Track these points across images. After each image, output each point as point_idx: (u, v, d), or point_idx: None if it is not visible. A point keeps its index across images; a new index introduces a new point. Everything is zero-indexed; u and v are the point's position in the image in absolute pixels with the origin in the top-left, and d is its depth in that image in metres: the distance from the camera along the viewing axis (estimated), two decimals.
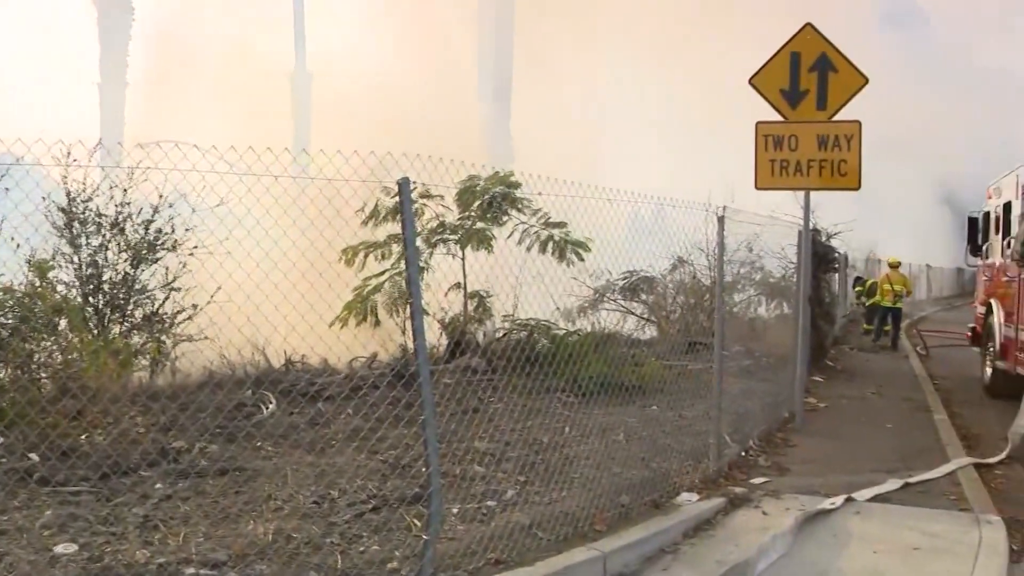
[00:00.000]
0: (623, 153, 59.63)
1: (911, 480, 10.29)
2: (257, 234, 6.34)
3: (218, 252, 8.07)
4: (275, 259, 6.26)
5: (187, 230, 11.64)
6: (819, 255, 20.02)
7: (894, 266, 28.45)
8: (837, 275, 26.23)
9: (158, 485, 7.97)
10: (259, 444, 9.34)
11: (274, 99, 62.99)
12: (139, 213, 11.71)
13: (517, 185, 14.10)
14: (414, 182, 6.18)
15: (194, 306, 11.90)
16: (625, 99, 67.84)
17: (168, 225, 11.80)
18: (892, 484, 10.07)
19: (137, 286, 11.86)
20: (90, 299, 11.49)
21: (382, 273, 14.04)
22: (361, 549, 6.86)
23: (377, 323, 14.12)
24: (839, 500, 9.25)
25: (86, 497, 7.58)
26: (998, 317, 16.76)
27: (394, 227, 13.10)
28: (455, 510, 7.84)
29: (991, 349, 17.32)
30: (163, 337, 12.13)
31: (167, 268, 11.98)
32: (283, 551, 6.59)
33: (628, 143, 62.66)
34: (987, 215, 18.37)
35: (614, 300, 19.02)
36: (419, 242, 14.06)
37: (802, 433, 12.83)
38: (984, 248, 18.53)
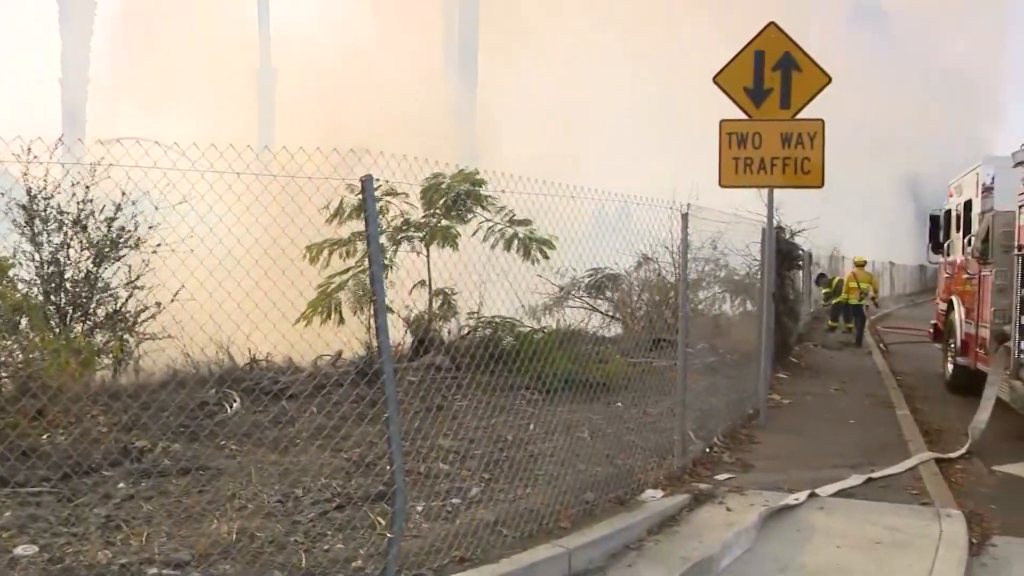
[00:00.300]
0: (589, 150, 59.70)
1: (874, 475, 10.37)
2: (220, 231, 6.30)
3: (180, 250, 8.01)
4: (237, 257, 6.22)
5: (150, 228, 11.55)
6: (783, 252, 20.14)
7: (860, 265, 28.66)
8: (801, 272, 26.38)
9: (120, 485, 7.91)
10: (223, 443, 9.28)
11: (239, 95, 62.62)
12: (102, 210, 11.61)
13: (482, 183, 14.09)
14: (378, 179, 6.17)
15: (158, 304, 11.82)
16: (591, 96, 67.92)
17: (131, 223, 11.71)
18: (855, 479, 10.15)
19: (100, 284, 11.77)
20: (52, 297, 11.39)
21: (346, 271, 13.98)
22: (325, 547, 6.84)
23: (341, 321, 14.06)
24: (803, 496, 9.30)
25: (47, 498, 7.50)
26: (959, 314, 16.91)
27: (358, 225, 13.04)
28: (420, 508, 7.83)
29: (952, 345, 17.47)
30: (126, 336, 12.05)
31: (130, 266, 11.89)
32: (247, 550, 6.56)
33: (594, 140, 62.73)
34: (948, 213, 18.52)
35: (579, 297, 19.04)
36: (383, 240, 14.02)
37: (766, 429, 12.91)
38: (946, 246, 18.68)
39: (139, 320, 12.08)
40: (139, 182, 7.41)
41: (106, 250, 11.68)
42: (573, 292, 18.77)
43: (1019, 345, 12.61)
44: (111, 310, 11.95)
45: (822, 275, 32.25)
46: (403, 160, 6.51)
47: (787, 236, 21.68)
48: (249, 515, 7.33)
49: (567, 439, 10.15)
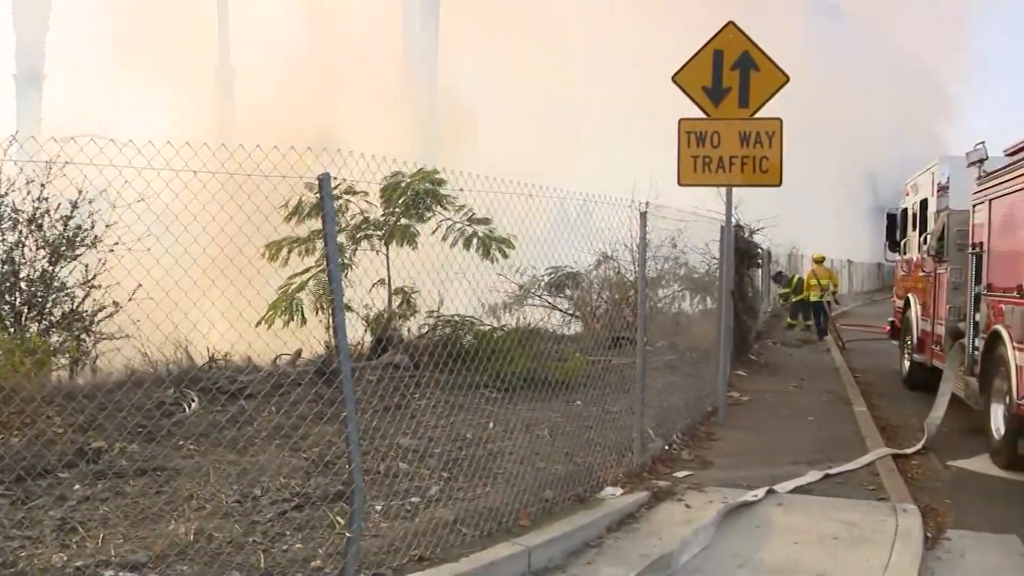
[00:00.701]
0: (553, 145, 59.71)
1: (831, 471, 10.46)
2: (176, 230, 6.25)
3: (137, 249, 7.94)
4: (194, 255, 6.17)
5: (107, 226, 11.44)
6: (742, 251, 20.27)
7: (819, 261, 28.91)
8: (760, 270, 26.53)
9: (76, 487, 7.83)
10: (180, 443, 9.20)
11: (198, 93, 62.10)
12: (57, 208, 11.49)
13: (442, 182, 14.08)
14: (335, 177, 6.14)
15: (115, 304, 11.70)
16: (551, 92, 67.90)
17: (88, 221, 11.60)
18: (813, 476, 10.24)
19: (56, 283, 11.65)
20: (6, 297, 11.26)
21: (306, 270, 13.91)
22: (284, 547, 6.80)
23: (303, 321, 13.99)
24: (761, 492, 9.36)
25: (0, 501, 7.42)
26: (915, 311, 17.09)
27: (318, 223, 12.99)
28: (379, 507, 7.82)
29: (909, 343, 17.66)
30: (83, 336, 11.93)
31: (87, 265, 11.78)
32: (204, 551, 6.51)
33: (555, 136, 62.76)
34: (905, 212, 18.70)
35: (539, 296, 19.05)
36: (343, 238, 13.97)
37: (725, 427, 12.97)
38: (902, 244, 18.86)
39: (96, 320, 11.97)
40: (94, 180, 7.34)
41: (62, 249, 11.56)
42: (533, 291, 18.77)
43: (973, 342, 12.76)
44: (67, 310, 11.83)
45: (780, 274, 32.42)
46: (361, 158, 6.49)
47: (746, 234, 21.81)
48: (207, 515, 7.28)
49: (526, 437, 10.16)
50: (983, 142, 13.00)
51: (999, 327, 11.29)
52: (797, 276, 31.25)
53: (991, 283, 11.92)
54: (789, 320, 29.48)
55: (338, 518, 7.27)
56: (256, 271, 6.67)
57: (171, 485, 8.00)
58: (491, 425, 10.73)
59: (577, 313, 19.14)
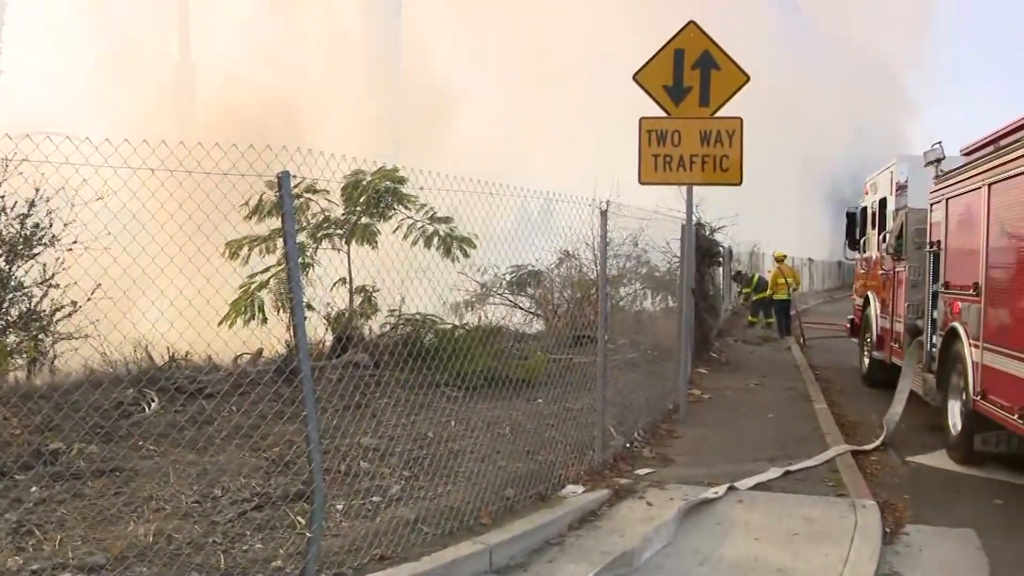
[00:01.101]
0: (515, 144, 59.74)
1: (791, 468, 10.53)
2: (133, 228, 6.19)
3: (95, 248, 7.86)
4: (152, 254, 6.12)
5: (65, 225, 11.31)
6: (703, 249, 20.37)
7: (781, 259, 29.09)
8: (721, 269, 26.65)
9: (32, 489, 7.73)
10: (139, 444, 9.12)
11: (158, 90, 61.60)
12: (13, 207, 11.35)
13: (403, 180, 14.03)
14: (295, 176, 6.10)
15: (73, 303, 11.58)
16: (516, 90, 67.97)
17: (46, 220, 11.47)
18: (773, 472, 10.30)
19: (12, 283, 11.51)
20: None
21: (267, 269, 13.83)
22: (244, 548, 6.77)
23: (264, 320, 13.91)
24: (722, 489, 9.41)
25: None
26: (875, 309, 17.23)
27: (279, 222, 12.92)
28: (340, 506, 7.79)
29: (868, 340, 17.81)
30: (41, 335, 11.81)
31: (44, 265, 11.65)
32: (164, 552, 6.46)
33: (518, 135, 62.80)
34: (864, 210, 18.83)
35: (501, 295, 19.05)
36: (304, 237, 13.90)
37: (686, 424, 13.02)
38: (862, 242, 19.00)
39: (54, 319, 11.84)
40: (51, 178, 7.27)
41: (19, 248, 11.42)
42: (495, 289, 18.76)
43: (931, 339, 12.88)
44: (24, 309, 11.70)
45: (739, 273, 32.57)
46: (320, 156, 6.45)
47: (707, 233, 21.91)
48: (166, 516, 7.23)
49: (488, 436, 10.15)
50: (940, 142, 13.13)
51: (956, 324, 11.41)
52: (757, 275, 31.39)
53: (948, 281, 12.04)
54: (750, 318, 29.64)
55: (299, 518, 7.24)
56: (215, 270, 6.61)
57: (130, 486, 7.94)
58: (452, 424, 10.72)
59: (539, 311, 19.15)
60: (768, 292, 28.36)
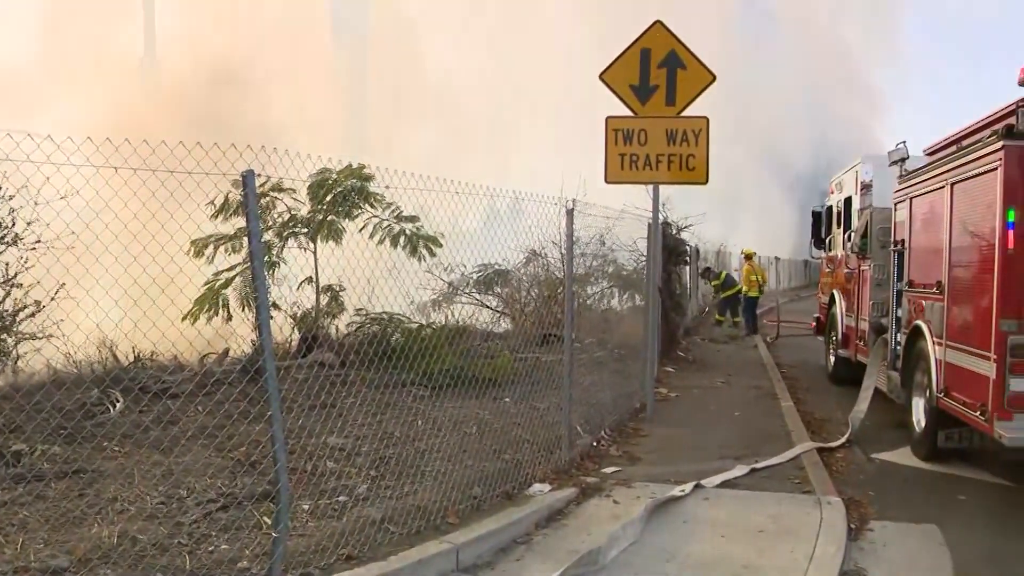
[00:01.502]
0: (479, 143, 59.57)
1: (758, 466, 10.58)
2: (97, 227, 6.13)
3: (57, 247, 7.79)
4: (115, 253, 6.06)
5: (28, 224, 11.20)
6: (670, 248, 20.41)
7: (750, 257, 29.26)
8: (688, 267, 26.73)
9: None
10: (104, 445, 9.04)
11: (122, 87, 61.03)
12: None
13: (370, 178, 13.98)
14: (259, 174, 6.07)
15: (36, 303, 11.47)
16: (479, 86, 67.73)
17: (8, 218, 11.35)
18: (740, 470, 10.35)
19: None
20: None
21: (232, 267, 13.78)
22: (210, 549, 6.73)
23: (229, 318, 13.85)
24: (688, 487, 9.44)
25: None
26: (840, 307, 17.35)
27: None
28: (306, 506, 7.76)
29: (834, 338, 17.93)
30: (3, 336, 11.69)
31: (7, 264, 11.53)
32: (128, 554, 6.42)
33: (484, 133, 62.62)
34: (829, 209, 18.95)
35: (468, 294, 19.03)
36: (270, 236, 13.85)
37: (653, 422, 13.06)
38: (827, 241, 19.11)
39: (16, 319, 11.72)
40: (11, 176, 7.20)
41: None
42: (462, 288, 18.74)
43: (895, 337, 12.97)
44: None
45: (708, 269, 32.68)
46: (285, 155, 6.42)
47: (674, 232, 21.96)
48: (130, 518, 7.17)
49: (455, 435, 10.14)
50: (904, 141, 13.23)
51: (920, 322, 11.50)
52: (725, 272, 31.48)
53: (912, 279, 12.14)
54: (717, 317, 29.73)
55: (265, 518, 7.21)
56: (179, 269, 6.56)
57: (94, 488, 7.87)
58: (419, 423, 10.71)
59: (506, 310, 19.15)
60: (742, 289, 28.51)
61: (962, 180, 10.30)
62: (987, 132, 10.01)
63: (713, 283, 30.87)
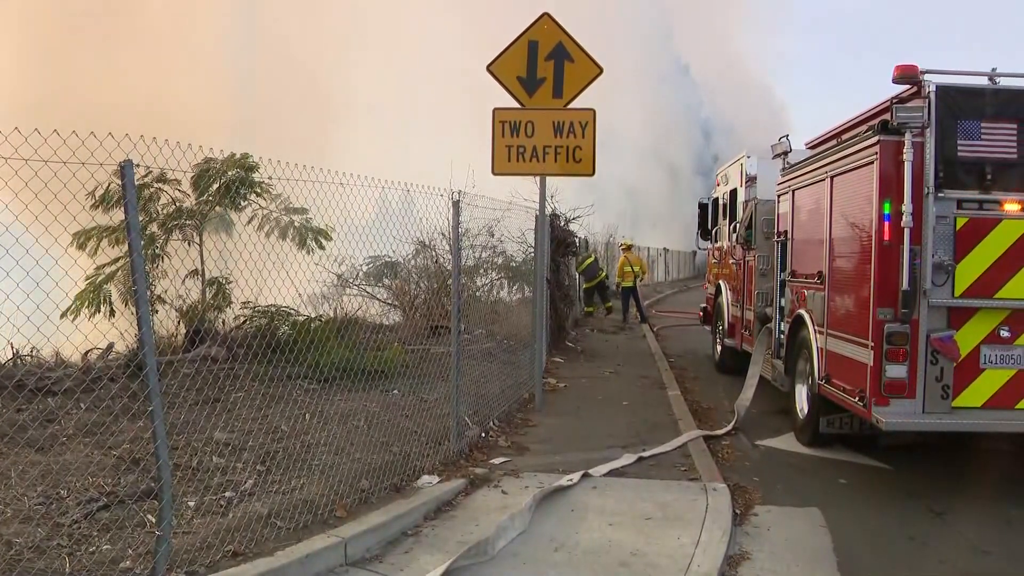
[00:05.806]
0: (361, 134, 59.10)
1: (645, 454, 10.72)
2: None
3: None
4: None
5: None
6: (558, 239, 20.53)
7: (628, 248, 29.46)
8: (576, 258, 26.87)
9: None
10: None
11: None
12: None
13: (254, 167, 13.77)
14: (138, 164, 5.93)
15: None
16: (362, 81, 67.20)
17: None
18: (627, 459, 10.46)
19: None
20: None
21: (116, 260, 13.48)
22: (91, 550, 6.57)
23: (112, 313, 13.55)
24: (576, 476, 9.52)
25: None
26: (726, 298, 17.63)
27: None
28: (192, 503, 7.64)
29: (720, 328, 18.22)
30: None
31: None
32: (2, 558, 6.23)
33: (363, 124, 62.14)
34: (716, 201, 19.22)
35: (357, 286, 18.90)
36: (155, 228, 13.58)
37: (542, 413, 13.12)
38: (714, 232, 19.39)
39: None
40: None
41: None
42: (352, 280, 18.61)
43: (779, 326, 13.25)
44: None
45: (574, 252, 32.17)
46: (166, 144, 6.28)
47: (562, 223, 22.08)
48: (6, 520, 6.97)
49: (343, 428, 10.09)
50: (787, 135, 13.52)
51: (802, 312, 11.77)
52: (592, 259, 29.71)
53: (795, 270, 12.41)
54: (586, 308, 29.39)
55: (149, 516, 7.09)
56: (54, 262, 6.38)
57: None
58: (307, 417, 10.62)
59: (396, 303, 19.07)
60: (604, 277, 28.68)
61: (841, 173, 10.56)
62: (864, 127, 10.27)
63: (578, 270, 29.95)
